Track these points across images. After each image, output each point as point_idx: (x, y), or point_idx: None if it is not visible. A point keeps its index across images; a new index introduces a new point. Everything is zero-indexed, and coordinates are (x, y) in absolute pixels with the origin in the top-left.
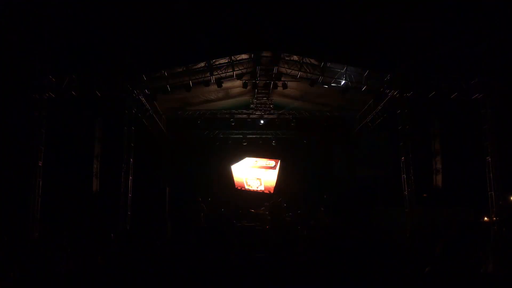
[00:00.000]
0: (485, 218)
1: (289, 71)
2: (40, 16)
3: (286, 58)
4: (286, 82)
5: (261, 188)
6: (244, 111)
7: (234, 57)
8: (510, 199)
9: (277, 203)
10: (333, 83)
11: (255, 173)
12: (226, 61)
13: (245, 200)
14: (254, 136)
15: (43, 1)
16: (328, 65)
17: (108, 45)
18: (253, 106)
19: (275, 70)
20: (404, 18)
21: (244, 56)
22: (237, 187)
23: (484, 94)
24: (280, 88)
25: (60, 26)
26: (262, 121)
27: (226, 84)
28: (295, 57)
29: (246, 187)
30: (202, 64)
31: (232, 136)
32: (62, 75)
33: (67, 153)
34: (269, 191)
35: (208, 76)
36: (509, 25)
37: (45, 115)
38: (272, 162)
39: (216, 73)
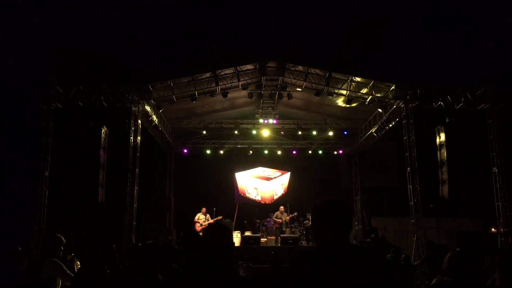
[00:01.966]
0: (492, 229)
1: (294, 81)
2: (47, 28)
3: (291, 69)
4: (291, 92)
5: (258, 198)
6: (250, 121)
7: (240, 67)
8: None
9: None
10: (338, 93)
11: (253, 183)
12: (232, 71)
13: (250, 209)
14: (259, 146)
15: (51, 12)
16: (333, 76)
17: (115, 56)
18: (259, 116)
19: (280, 81)
20: (411, 29)
21: (249, 67)
22: (240, 194)
23: (490, 105)
24: (285, 99)
25: (67, 37)
26: (267, 131)
27: (231, 94)
28: (300, 68)
29: (247, 195)
30: (208, 75)
31: (237, 146)
32: (69, 85)
33: (73, 162)
34: (264, 202)
35: (213, 87)
36: None
37: (52, 125)
38: (278, 173)
39: (221, 83)
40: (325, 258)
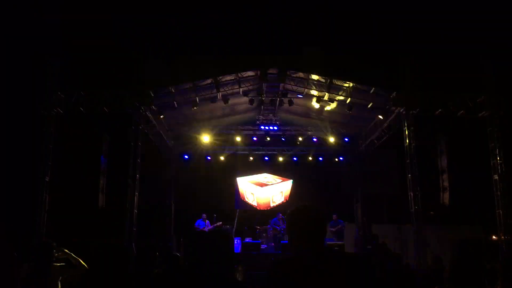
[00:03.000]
0: (493, 237)
1: (295, 88)
2: (48, 32)
3: (292, 75)
4: (292, 98)
5: (254, 203)
6: (250, 127)
7: (241, 74)
8: None
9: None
10: (338, 100)
11: (250, 188)
12: (233, 78)
13: (250, 216)
14: (260, 152)
15: (52, 17)
16: (334, 82)
17: (116, 62)
18: (259, 123)
19: (281, 87)
20: (411, 34)
21: (250, 73)
22: (241, 199)
23: (490, 112)
24: (286, 105)
25: (68, 42)
26: (268, 138)
27: (232, 101)
28: (301, 74)
29: (246, 199)
30: (209, 81)
31: (237, 152)
32: (70, 91)
33: (74, 168)
34: (260, 208)
35: (214, 93)
36: None
37: (53, 130)
38: (278, 180)
39: (222, 89)
40: (298, 266)
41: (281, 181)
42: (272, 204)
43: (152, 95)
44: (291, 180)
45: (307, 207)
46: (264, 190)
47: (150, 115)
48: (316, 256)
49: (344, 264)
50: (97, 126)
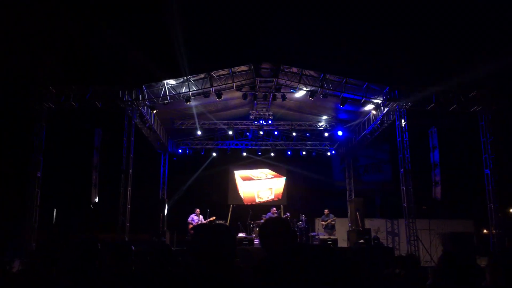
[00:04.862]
0: (484, 231)
1: (288, 82)
2: (42, 27)
3: (286, 70)
4: (285, 93)
5: (242, 196)
6: (244, 122)
7: (234, 68)
8: (510, 211)
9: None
10: (332, 95)
11: (239, 182)
12: (226, 72)
13: (243, 211)
14: (253, 147)
15: (46, 12)
16: (327, 77)
17: (109, 56)
18: (252, 117)
19: (274, 82)
20: (405, 32)
21: (243, 68)
22: (238, 192)
23: (482, 107)
24: (279, 100)
25: (61, 37)
26: (261, 132)
27: (225, 95)
28: (295, 69)
29: (239, 192)
30: (202, 75)
31: (231, 147)
32: (62, 86)
33: (66, 163)
34: (246, 203)
35: (208, 87)
36: (506, 40)
37: (44, 125)
38: (269, 176)
39: (216, 84)
40: (276, 260)
41: (272, 177)
42: (257, 200)
43: (145, 90)
44: (284, 178)
45: (275, 218)
46: (248, 184)
47: (142, 110)
48: (289, 251)
49: (315, 255)
50: (89, 121)
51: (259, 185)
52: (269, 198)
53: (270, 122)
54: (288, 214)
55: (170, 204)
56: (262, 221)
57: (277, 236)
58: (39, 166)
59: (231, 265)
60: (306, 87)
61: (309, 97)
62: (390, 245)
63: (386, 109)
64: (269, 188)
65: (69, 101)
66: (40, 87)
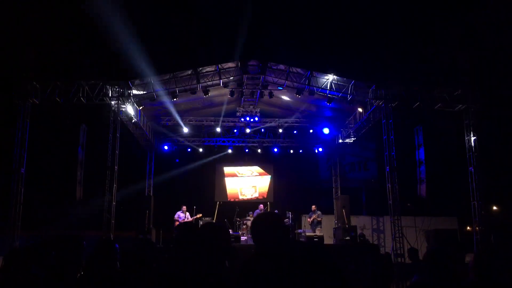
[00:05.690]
0: (468, 228)
1: (275, 80)
2: (26, 22)
3: (273, 67)
4: (272, 90)
5: (227, 192)
6: (230, 119)
7: (221, 65)
8: (493, 209)
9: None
10: (319, 92)
11: (225, 178)
12: (213, 69)
13: (230, 208)
14: (240, 144)
15: (31, 6)
16: (314, 75)
17: (95, 52)
18: (240, 114)
19: (261, 79)
20: (391, 30)
21: (231, 65)
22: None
23: (467, 105)
24: (266, 97)
25: (46, 32)
26: (248, 130)
27: (212, 92)
28: (282, 66)
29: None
30: (189, 72)
31: (217, 144)
32: (46, 81)
33: (50, 160)
34: (229, 199)
35: (194, 84)
36: (490, 39)
37: (28, 121)
38: (255, 173)
39: (202, 81)
40: (266, 258)
41: (257, 175)
42: (241, 197)
43: (131, 85)
44: (270, 176)
45: (267, 213)
46: (232, 180)
47: (128, 106)
48: (279, 247)
49: (303, 252)
50: (74, 117)
51: (243, 182)
52: (253, 196)
53: (257, 119)
54: (276, 211)
55: (156, 201)
56: (248, 217)
57: (269, 231)
58: (23, 163)
59: (222, 264)
60: (293, 84)
61: (296, 94)
62: (376, 242)
63: (372, 106)
64: (253, 186)
65: (54, 97)
66: (24, 82)
